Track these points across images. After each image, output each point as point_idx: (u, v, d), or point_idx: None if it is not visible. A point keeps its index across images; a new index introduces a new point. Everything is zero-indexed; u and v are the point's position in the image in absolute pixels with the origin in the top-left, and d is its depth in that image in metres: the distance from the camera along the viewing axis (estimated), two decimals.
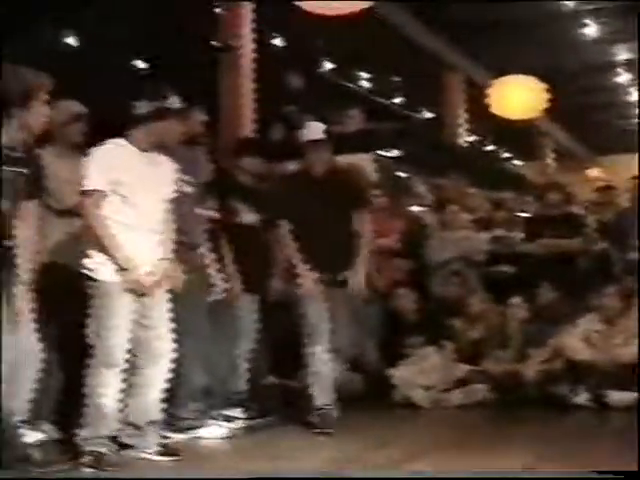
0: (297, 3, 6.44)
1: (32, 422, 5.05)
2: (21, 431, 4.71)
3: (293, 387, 6.35)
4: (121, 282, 4.99)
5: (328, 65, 10.30)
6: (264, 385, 6.40)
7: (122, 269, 4.96)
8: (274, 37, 8.78)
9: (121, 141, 5.08)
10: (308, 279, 5.71)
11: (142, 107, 5.07)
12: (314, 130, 6.05)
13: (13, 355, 4.52)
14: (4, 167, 4.47)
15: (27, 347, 4.75)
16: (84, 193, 4.98)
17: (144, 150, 5.07)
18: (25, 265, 4.62)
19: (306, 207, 5.79)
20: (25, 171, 4.55)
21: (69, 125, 5.51)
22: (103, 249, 4.96)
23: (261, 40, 7.06)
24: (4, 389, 4.39)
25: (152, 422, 5.09)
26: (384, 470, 4.55)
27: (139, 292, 5.02)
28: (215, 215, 6.03)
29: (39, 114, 4.56)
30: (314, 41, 9.28)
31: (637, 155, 11.03)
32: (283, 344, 6.27)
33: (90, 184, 4.96)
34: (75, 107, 5.62)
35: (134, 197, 5.00)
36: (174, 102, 5.10)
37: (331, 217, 5.79)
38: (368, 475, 4.47)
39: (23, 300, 4.60)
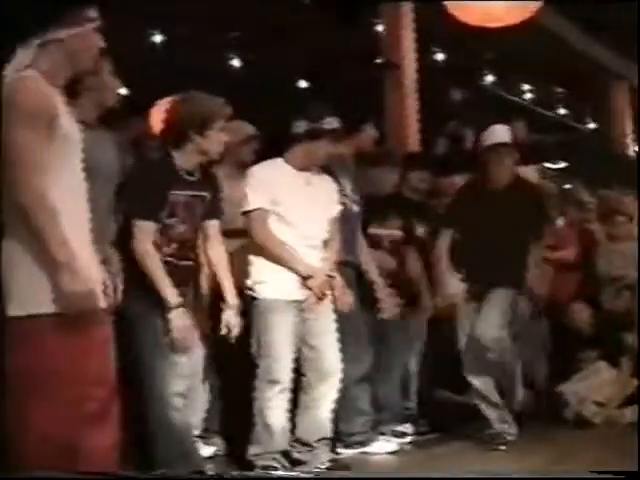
0: (458, 16, 6.41)
1: (205, 436, 5.18)
2: (197, 445, 4.83)
3: (465, 403, 6.31)
4: (288, 298, 5.07)
5: (490, 77, 10.20)
6: (434, 400, 6.37)
7: (305, 277, 5.01)
8: (435, 52, 8.76)
9: (278, 161, 5.15)
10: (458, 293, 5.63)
11: (300, 127, 5.13)
12: (499, 133, 5.79)
13: (190, 371, 4.64)
14: (181, 191, 4.60)
15: (202, 363, 4.87)
16: (248, 212, 5.08)
17: (301, 169, 5.12)
18: (228, 288, 4.75)
19: (480, 218, 5.61)
20: (204, 194, 4.66)
21: (241, 146, 5.62)
22: (279, 263, 5.03)
23: (423, 55, 7.05)
24: (184, 403, 4.50)
25: (322, 439, 5.12)
26: None
27: (309, 306, 5.07)
28: (385, 232, 6.05)
29: (217, 140, 4.65)
30: (476, 54, 9.21)
31: None
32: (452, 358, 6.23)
33: (253, 203, 5.05)
34: (248, 128, 5.72)
35: (291, 216, 5.06)
36: (331, 122, 5.13)
37: (505, 230, 5.59)
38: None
39: (203, 317, 4.73)
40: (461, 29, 6.65)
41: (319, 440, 5.11)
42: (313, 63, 8.66)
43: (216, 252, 4.78)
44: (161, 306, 4.47)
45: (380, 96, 6.59)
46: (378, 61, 6.64)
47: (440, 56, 8.90)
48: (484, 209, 5.63)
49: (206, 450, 5.14)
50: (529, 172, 8.48)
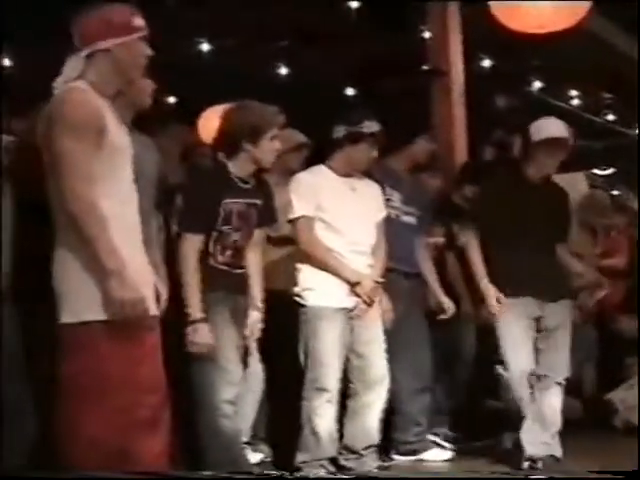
0: (504, 22, 6.39)
1: (253, 443, 5.20)
2: (246, 451, 4.86)
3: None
4: (337, 306, 5.07)
5: (537, 84, 10.15)
6: (485, 408, 6.34)
7: (353, 284, 5.02)
8: (482, 58, 8.73)
9: (321, 167, 5.17)
10: (493, 299, 5.31)
11: (339, 131, 5.14)
12: (555, 126, 5.42)
13: (242, 379, 4.67)
14: (236, 199, 4.62)
15: (253, 370, 4.90)
16: (294, 220, 5.09)
17: (344, 175, 5.13)
18: (258, 292, 4.77)
19: (516, 217, 5.30)
20: (257, 202, 4.68)
21: (291, 154, 5.64)
22: (326, 270, 5.04)
23: (470, 62, 7.03)
24: (234, 410, 4.53)
25: (370, 446, 5.12)
26: None
27: (357, 313, 5.07)
28: (438, 241, 6.04)
29: (270, 149, 4.66)
30: (522, 60, 9.17)
31: None
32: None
33: (298, 211, 5.06)
34: (298, 137, 5.74)
35: (337, 222, 5.07)
36: (371, 126, 5.13)
37: (541, 231, 5.35)
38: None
39: (254, 326, 4.74)
40: (508, 35, 6.62)
41: (367, 448, 5.11)
42: (360, 70, 8.66)
43: (251, 257, 4.79)
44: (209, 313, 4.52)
45: (427, 103, 6.58)
46: (425, 68, 6.63)
47: (487, 62, 8.86)
48: (520, 207, 5.31)
49: (253, 457, 5.17)
50: (578, 179, 8.46)
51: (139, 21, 3.66)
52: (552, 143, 5.28)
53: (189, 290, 4.49)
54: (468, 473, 4.54)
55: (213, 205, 4.54)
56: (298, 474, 4.75)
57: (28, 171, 3.75)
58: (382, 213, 5.33)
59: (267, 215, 4.82)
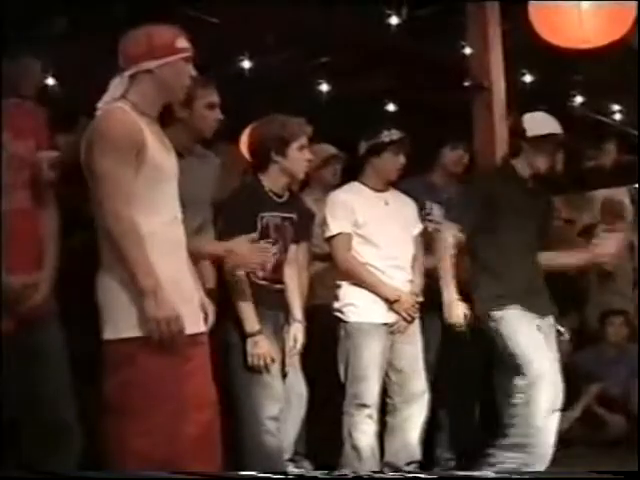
0: (546, 37, 6.36)
1: (295, 459, 5.20)
2: (288, 469, 4.87)
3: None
4: (377, 321, 5.07)
5: (579, 98, 10.08)
6: None
7: (392, 302, 5.02)
8: (524, 73, 8.70)
9: (354, 184, 5.23)
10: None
11: (362, 146, 5.20)
12: (549, 122, 5.17)
13: (285, 395, 4.67)
14: (271, 213, 4.64)
15: (295, 387, 4.91)
16: (330, 239, 5.12)
17: (378, 189, 5.15)
18: (297, 307, 4.78)
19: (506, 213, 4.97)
20: (292, 216, 4.71)
21: (324, 168, 5.67)
22: (365, 287, 5.05)
23: (511, 77, 7.00)
24: (278, 427, 4.53)
25: (411, 462, 5.11)
26: None
27: (398, 329, 5.07)
28: None
29: (299, 159, 4.70)
30: (564, 74, 9.12)
31: None
32: None
33: (334, 229, 5.09)
34: (330, 150, 5.78)
35: (375, 237, 5.10)
36: (390, 134, 5.16)
37: (530, 233, 5.06)
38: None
39: (296, 341, 4.76)
40: (550, 50, 6.59)
41: (409, 464, 5.10)
42: (401, 86, 8.67)
43: (288, 272, 4.81)
44: None
45: (468, 118, 6.56)
46: (466, 84, 6.62)
47: (528, 78, 8.82)
48: (510, 205, 4.99)
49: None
50: (621, 194, 8.39)
51: (183, 42, 3.71)
52: (548, 140, 5.09)
53: (242, 304, 4.52)
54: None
55: (251, 218, 4.59)
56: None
57: (72, 187, 3.81)
58: (418, 227, 5.34)
59: (302, 231, 4.87)
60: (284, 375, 4.70)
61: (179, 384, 3.51)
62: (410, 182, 5.65)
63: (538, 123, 5.11)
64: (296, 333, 4.77)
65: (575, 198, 8.68)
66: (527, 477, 4.23)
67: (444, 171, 6.04)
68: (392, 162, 5.23)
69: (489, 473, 4.32)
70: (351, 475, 4.42)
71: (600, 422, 6.90)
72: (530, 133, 5.07)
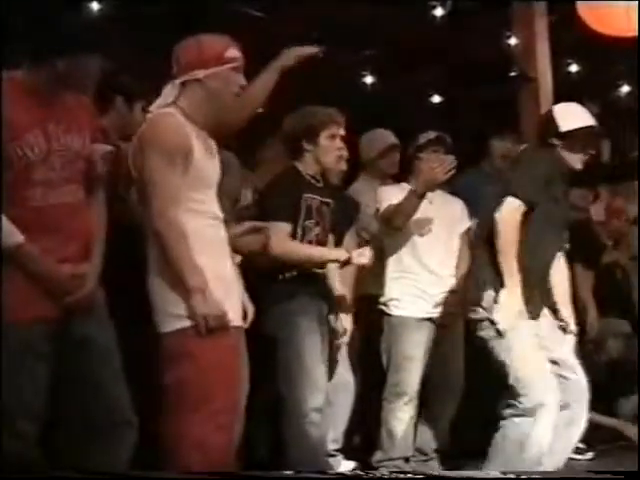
0: (592, 25, 6.34)
1: (346, 451, 5.24)
2: (335, 459, 4.91)
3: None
4: (419, 316, 5.15)
5: (625, 88, 10.00)
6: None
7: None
8: (570, 63, 8.65)
9: (403, 185, 5.28)
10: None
11: (409, 151, 5.25)
12: (582, 114, 4.71)
13: (331, 385, 4.72)
14: (311, 194, 4.70)
15: (343, 377, 4.96)
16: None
17: (425, 190, 5.18)
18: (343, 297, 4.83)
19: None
20: (329, 201, 4.76)
21: (382, 156, 5.69)
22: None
23: (558, 68, 6.98)
24: (323, 418, 4.58)
25: (438, 450, 5.34)
26: None
27: (440, 323, 5.15)
28: None
29: (331, 147, 4.75)
30: (610, 64, 9.06)
31: None
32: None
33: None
34: (390, 138, 5.77)
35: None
36: (426, 135, 5.23)
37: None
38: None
39: (342, 330, 4.82)
40: (596, 39, 6.57)
41: (435, 450, 5.25)
42: (447, 78, 8.66)
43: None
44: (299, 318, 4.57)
45: (515, 109, 6.56)
46: (513, 75, 6.61)
47: (574, 67, 8.76)
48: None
49: (346, 465, 5.19)
50: None
51: (233, 52, 3.78)
52: (584, 133, 4.62)
53: (309, 254, 4.69)
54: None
55: (292, 199, 4.66)
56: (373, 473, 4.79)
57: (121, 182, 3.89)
58: (465, 224, 5.40)
59: (344, 219, 4.96)
60: (331, 365, 4.77)
61: (230, 372, 3.64)
62: (471, 173, 5.73)
63: (572, 115, 4.67)
64: (345, 324, 4.90)
65: (622, 188, 8.59)
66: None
67: (493, 163, 6.03)
68: (433, 161, 5.22)
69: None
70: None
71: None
72: (567, 127, 4.60)
